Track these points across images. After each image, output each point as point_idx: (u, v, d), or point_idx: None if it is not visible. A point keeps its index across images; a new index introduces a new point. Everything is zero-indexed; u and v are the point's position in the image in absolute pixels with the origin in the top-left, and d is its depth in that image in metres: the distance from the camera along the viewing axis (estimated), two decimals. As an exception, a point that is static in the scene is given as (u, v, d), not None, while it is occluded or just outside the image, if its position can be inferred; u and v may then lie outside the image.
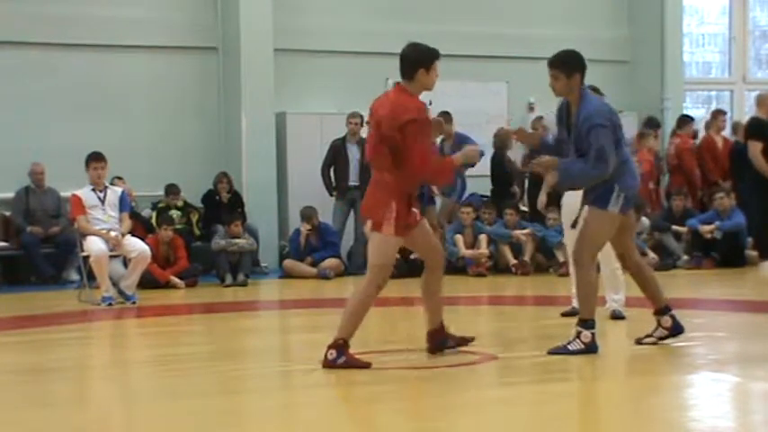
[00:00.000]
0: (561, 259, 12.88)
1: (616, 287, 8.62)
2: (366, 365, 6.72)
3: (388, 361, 7.10)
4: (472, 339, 7.31)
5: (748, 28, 17.55)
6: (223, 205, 13.65)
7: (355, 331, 6.83)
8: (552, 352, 7.01)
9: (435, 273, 7.13)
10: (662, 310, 7.28)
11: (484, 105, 15.47)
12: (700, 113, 16.89)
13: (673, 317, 7.25)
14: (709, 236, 13.22)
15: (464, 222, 13.27)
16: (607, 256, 8.09)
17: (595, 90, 7.69)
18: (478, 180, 14.36)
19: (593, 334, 6.96)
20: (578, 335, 7.01)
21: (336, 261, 13.23)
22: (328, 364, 6.67)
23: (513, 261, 13.07)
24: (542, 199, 10.48)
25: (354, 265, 13.50)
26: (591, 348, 6.96)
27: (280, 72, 14.31)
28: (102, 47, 14.13)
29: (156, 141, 14.30)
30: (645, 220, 13.90)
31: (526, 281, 12.58)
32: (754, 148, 12.33)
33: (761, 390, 6.14)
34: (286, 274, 13.28)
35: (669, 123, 15.40)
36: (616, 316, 8.66)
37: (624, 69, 16.24)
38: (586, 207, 7.09)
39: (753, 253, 13.04)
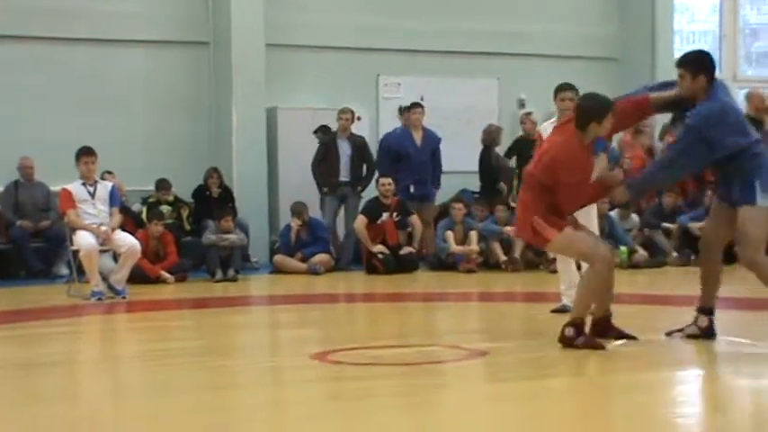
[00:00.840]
0: (551, 256, 12.89)
1: (570, 283, 8.60)
2: (602, 347, 6.91)
3: (378, 356, 7.09)
4: (634, 338, 7.26)
5: (739, 26, 17.58)
6: (213, 200, 13.62)
7: (586, 313, 7.06)
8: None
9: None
10: (705, 310, 7.30)
11: (474, 102, 15.46)
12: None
13: (711, 320, 7.27)
14: (699, 233, 13.21)
15: (455, 218, 13.26)
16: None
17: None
18: (468, 176, 14.36)
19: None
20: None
21: (326, 256, 13.22)
22: (567, 341, 6.93)
23: (503, 257, 13.08)
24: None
25: (344, 260, 13.49)
26: (708, 333, 7.18)
27: (271, 67, 14.27)
28: (93, 41, 14.09)
29: (147, 136, 14.29)
30: (634, 217, 13.92)
31: (516, 277, 12.58)
32: None
33: (747, 386, 6.15)
34: (276, 270, 13.26)
35: (661, 120, 15.39)
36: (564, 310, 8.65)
37: (615, 67, 16.24)
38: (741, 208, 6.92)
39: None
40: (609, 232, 13.39)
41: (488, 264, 13.20)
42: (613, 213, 13.71)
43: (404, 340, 7.93)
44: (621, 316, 8.34)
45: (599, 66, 16.19)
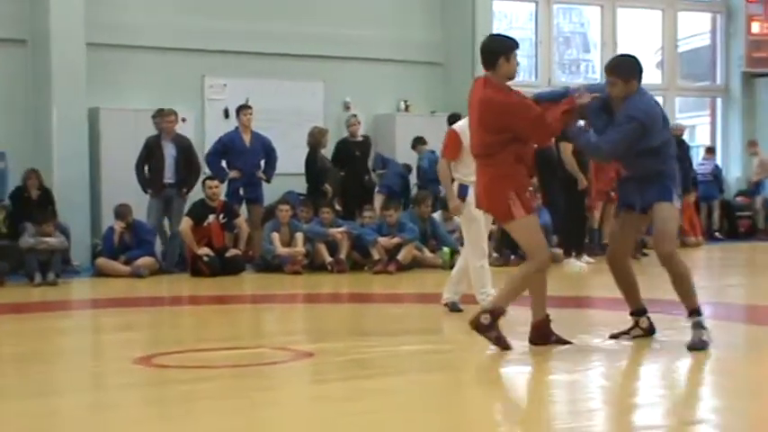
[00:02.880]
0: (376, 257, 13.00)
1: (484, 282, 8.72)
2: (510, 347, 6.87)
3: (204, 359, 7.02)
4: (569, 343, 7.18)
5: (553, 34, 18.10)
6: (32, 203, 13.21)
7: (508, 305, 6.97)
8: (692, 348, 6.98)
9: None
10: (639, 312, 7.45)
11: (300, 104, 15.45)
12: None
13: (649, 318, 7.44)
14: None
15: (281, 220, 13.22)
16: (479, 252, 8.57)
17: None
18: (294, 178, 14.34)
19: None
20: (700, 324, 7.08)
21: (151, 259, 12.98)
22: (480, 328, 6.82)
23: (329, 259, 13.11)
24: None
25: (169, 263, 13.29)
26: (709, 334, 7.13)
27: (93, 67, 13.91)
28: None
29: (-38, 136, 13.75)
30: (456, 219, 14.14)
31: (342, 278, 12.63)
32: (566, 149, 12.67)
33: (564, 381, 6.33)
34: (99, 273, 12.95)
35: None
36: (454, 309, 8.81)
37: (438, 71, 16.49)
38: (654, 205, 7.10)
39: (558, 251, 13.41)
40: (432, 233, 13.61)
41: (314, 265, 13.20)
42: (436, 215, 13.93)
43: (230, 343, 7.86)
44: (446, 317, 8.47)
45: (422, 69, 16.41)
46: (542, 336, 7.04)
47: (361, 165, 14.66)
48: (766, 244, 17.10)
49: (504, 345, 6.89)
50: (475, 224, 8.62)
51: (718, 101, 19.58)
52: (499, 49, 7.03)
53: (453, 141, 8.76)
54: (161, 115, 13.40)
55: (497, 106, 6.86)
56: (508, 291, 7.02)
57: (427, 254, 13.40)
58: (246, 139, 13.62)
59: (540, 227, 7.13)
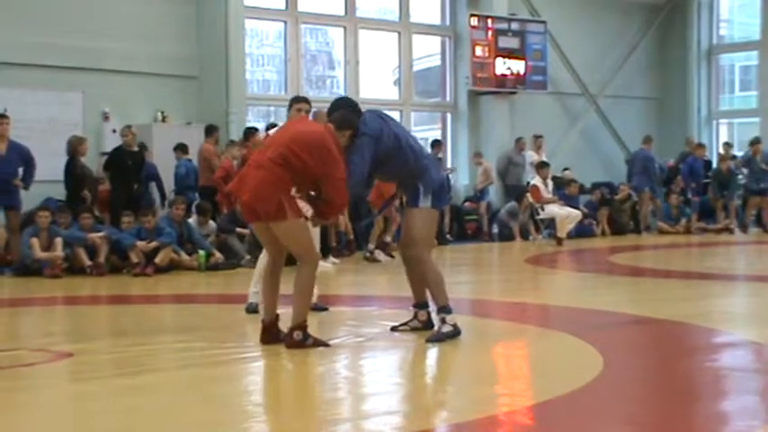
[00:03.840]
0: (135, 260, 12.75)
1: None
2: (328, 344, 6.91)
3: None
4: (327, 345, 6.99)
5: (301, 51, 18.26)
6: None
7: (308, 313, 6.96)
8: (430, 340, 7.07)
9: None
10: (421, 305, 7.50)
11: (59, 113, 14.98)
12: (261, 126, 17.34)
13: (429, 313, 7.50)
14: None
15: (40, 226, 12.75)
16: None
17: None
18: (53, 185, 13.90)
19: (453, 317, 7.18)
20: (444, 320, 7.15)
21: None
22: (297, 344, 6.77)
23: (88, 263, 12.76)
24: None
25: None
26: (457, 330, 7.14)
27: None
28: None
29: None
30: (212, 223, 14.07)
31: (101, 281, 12.32)
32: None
33: (313, 373, 6.41)
34: None
35: (236, 134, 15.64)
36: (251, 310, 8.54)
37: (193, 84, 16.34)
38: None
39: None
40: (188, 237, 13.47)
41: (74, 269, 12.81)
42: (191, 220, 13.80)
43: (-11, 345, 7.52)
44: (201, 316, 8.40)
45: (178, 82, 16.22)
46: (273, 336, 7.02)
47: (131, 174, 14.28)
48: (489, 244, 17.87)
49: (324, 343, 6.91)
50: None
51: (448, 116, 20.28)
52: (351, 123, 7.08)
53: None
54: None
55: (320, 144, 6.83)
56: (303, 304, 6.90)
57: (184, 257, 13.25)
58: (2, 147, 13.05)
59: (310, 232, 7.14)
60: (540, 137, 19.56)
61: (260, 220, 6.91)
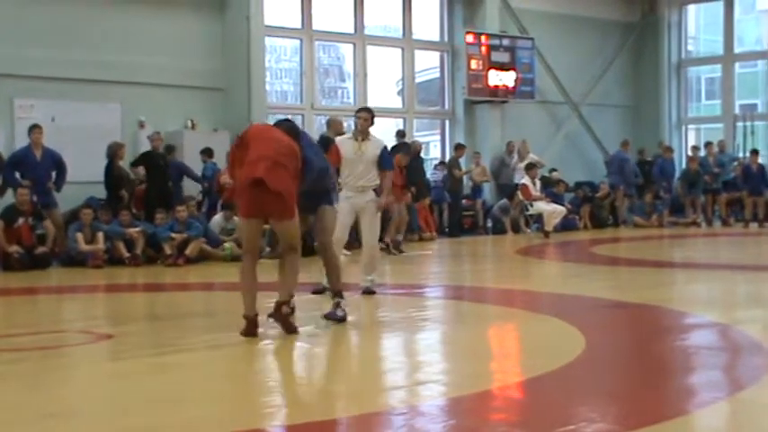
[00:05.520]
0: (168, 251, 12.75)
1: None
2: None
3: (15, 343, 6.69)
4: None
5: (315, 65, 18.24)
6: None
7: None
8: (327, 317, 7.20)
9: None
10: (338, 293, 7.42)
11: (101, 122, 14.98)
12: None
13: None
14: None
15: (84, 221, 12.77)
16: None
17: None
18: (94, 186, 13.91)
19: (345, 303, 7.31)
20: (339, 304, 7.25)
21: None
22: (282, 318, 6.70)
23: (126, 254, 12.76)
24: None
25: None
26: (345, 317, 7.24)
27: None
28: None
29: None
30: (236, 219, 14.04)
31: (138, 271, 12.32)
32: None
33: (316, 353, 6.40)
34: None
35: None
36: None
37: (219, 95, 16.31)
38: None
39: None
40: (204, 231, 13.43)
41: (113, 260, 12.80)
42: (218, 215, 13.77)
43: (38, 328, 7.53)
44: (228, 302, 8.37)
45: (206, 94, 16.20)
46: (257, 328, 6.75)
47: (162, 174, 14.28)
48: (484, 237, 17.84)
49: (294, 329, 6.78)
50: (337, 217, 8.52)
51: (447, 122, 20.24)
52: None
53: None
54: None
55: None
56: (293, 281, 6.88)
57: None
58: (37, 154, 13.03)
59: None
60: (524, 141, 19.34)
61: (267, 216, 6.82)
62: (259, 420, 4.51)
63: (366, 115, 8.72)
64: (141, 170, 14.31)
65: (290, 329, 6.73)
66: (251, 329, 6.67)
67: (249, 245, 6.92)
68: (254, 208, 6.74)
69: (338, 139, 9.14)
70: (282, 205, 6.72)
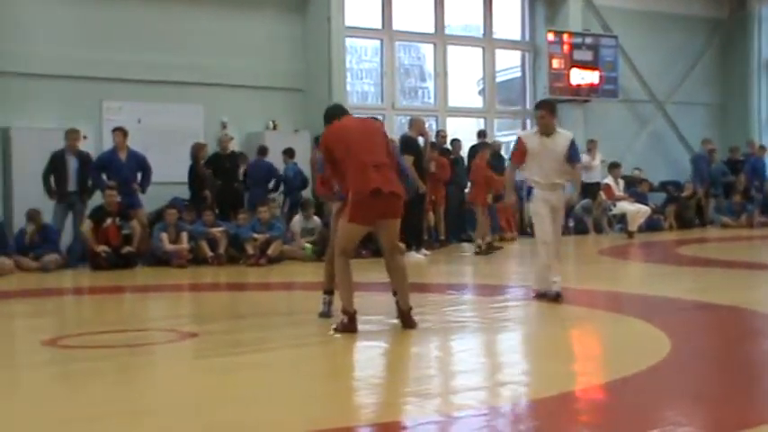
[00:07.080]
0: (250, 252, 12.92)
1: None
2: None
3: (104, 340, 6.86)
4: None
5: (395, 65, 18.27)
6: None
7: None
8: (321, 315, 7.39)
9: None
10: (330, 291, 7.52)
11: (184, 123, 15.24)
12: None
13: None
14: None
15: (168, 222, 13.02)
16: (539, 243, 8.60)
17: None
18: (178, 186, 14.17)
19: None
20: (327, 301, 7.49)
21: (57, 256, 12.60)
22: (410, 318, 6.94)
23: (209, 254, 12.97)
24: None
25: (73, 258, 12.92)
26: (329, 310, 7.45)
27: (4, 92, 13.52)
28: None
29: None
30: (316, 219, 14.15)
31: (220, 270, 12.50)
32: (408, 160, 12.83)
33: (408, 353, 6.40)
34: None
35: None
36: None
37: (300, 96, 16.45)
38: None
39: (401, 245, 13.51)
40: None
41: (197, 259, 13.03)
42: (297, 216, 13.89)
43: (125, 326, 7.71)
44: (308, 301, 8.43)
45: (287, 95, 16.37)
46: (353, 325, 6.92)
47: (231, 175, 14.52)
48: (566, 237, 17.52)
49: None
50: (537, 218, 8.64)
51: (528, 121, 20.07)
52: (326, 118, 7.32)
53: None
54: (70, 133, 13.08)
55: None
56: (408, 286, 7.13)
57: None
58: (122, 156, 13.31)
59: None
60: (594, 141, 18.93)
61: (383, 218, 6.90)
62: (345, 419, 4.54)
63: (542, 112, 8.71)
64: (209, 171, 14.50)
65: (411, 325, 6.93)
66: (352, 325, 6.80)
67: (351, 246, 7.03)
68: (373, 216, 6.86)
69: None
70: (399, 204, 6.93)
